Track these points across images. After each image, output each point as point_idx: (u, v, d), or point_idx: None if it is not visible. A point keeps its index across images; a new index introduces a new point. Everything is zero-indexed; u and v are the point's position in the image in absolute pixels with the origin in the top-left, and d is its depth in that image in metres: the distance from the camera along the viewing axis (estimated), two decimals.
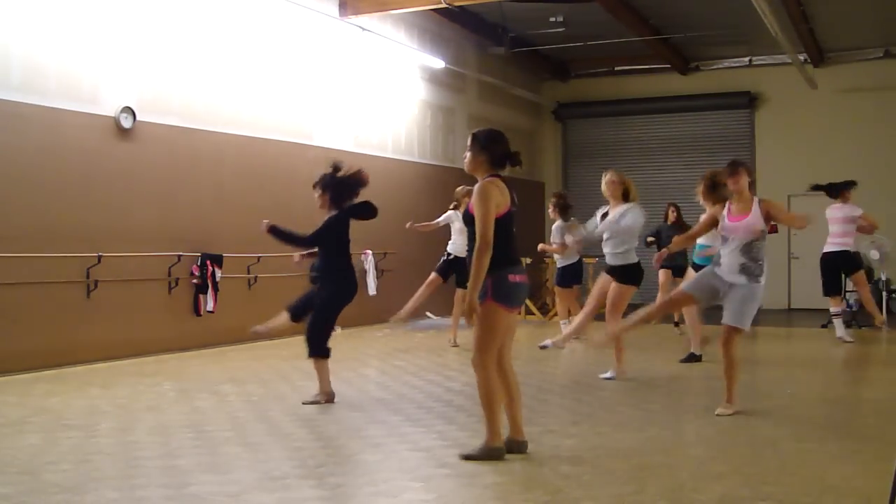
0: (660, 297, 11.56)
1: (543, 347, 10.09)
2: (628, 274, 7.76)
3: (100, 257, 8.83)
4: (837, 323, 10.96)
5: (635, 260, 7.81)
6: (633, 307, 7.87)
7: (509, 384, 5.02)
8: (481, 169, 4.96)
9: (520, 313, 5.20)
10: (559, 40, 15.93)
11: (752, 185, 6.42)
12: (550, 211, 10.48)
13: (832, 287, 10.99)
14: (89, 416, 6.13)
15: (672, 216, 11.62)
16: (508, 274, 4.84)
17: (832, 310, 11.05)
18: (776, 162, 16.65)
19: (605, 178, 7.92)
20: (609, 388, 7.42)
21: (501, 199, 4.83)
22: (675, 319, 11.90)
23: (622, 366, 7.87)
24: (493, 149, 4.94)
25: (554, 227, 10.57)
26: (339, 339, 10.77)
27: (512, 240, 4.95)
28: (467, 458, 4.88)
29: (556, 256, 10.83)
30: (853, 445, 5.33)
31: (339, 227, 6.73)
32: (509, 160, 4.97)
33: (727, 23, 14.59)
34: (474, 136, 5.02)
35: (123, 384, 7.54)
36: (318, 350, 6.67)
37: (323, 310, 6.75)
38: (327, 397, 6.64)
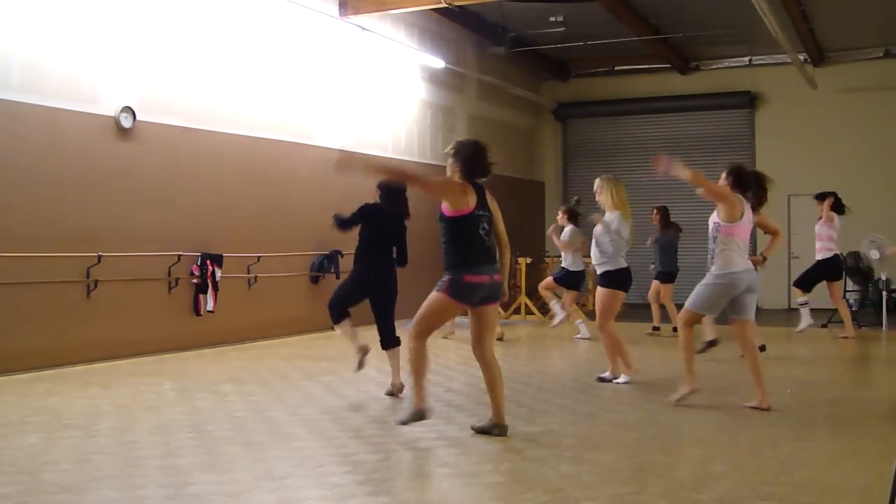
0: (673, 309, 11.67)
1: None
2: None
3: (100, 257, 8.83)
4: (805, 312, 10.83)
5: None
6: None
7: (493, 375, 5.45)
8: (456, 176, 5.50)
9: (489, 308, 5.47)
10: (559, 40, 15.93)
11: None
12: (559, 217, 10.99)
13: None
14: (89, 416, 6.12)
15: (655, 218, 11.71)
16: (465, 275, 5.27)
17: (801, 300, 10.95)
18: (776, 162, 16.60)
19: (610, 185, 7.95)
20: (609, 388, 7.42)
21: (461, 199, 5.31)
22: (675, 324, 11.89)
23: (618, 367, 7.85)
24: (466, 160, 5.45)
25: (567, 230, 10.90)
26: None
27: (475, 241, 5.34)
28: (403, 423, 5.51)
29: (563, 256, 11.10)
30: (853, 445, 5.33)
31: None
32: (480, 171, 5.47)
33: (727, 23, 14.58)
34: (453, 147, 5.57)
35: (123, 384, 7.54)
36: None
37: None
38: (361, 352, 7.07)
